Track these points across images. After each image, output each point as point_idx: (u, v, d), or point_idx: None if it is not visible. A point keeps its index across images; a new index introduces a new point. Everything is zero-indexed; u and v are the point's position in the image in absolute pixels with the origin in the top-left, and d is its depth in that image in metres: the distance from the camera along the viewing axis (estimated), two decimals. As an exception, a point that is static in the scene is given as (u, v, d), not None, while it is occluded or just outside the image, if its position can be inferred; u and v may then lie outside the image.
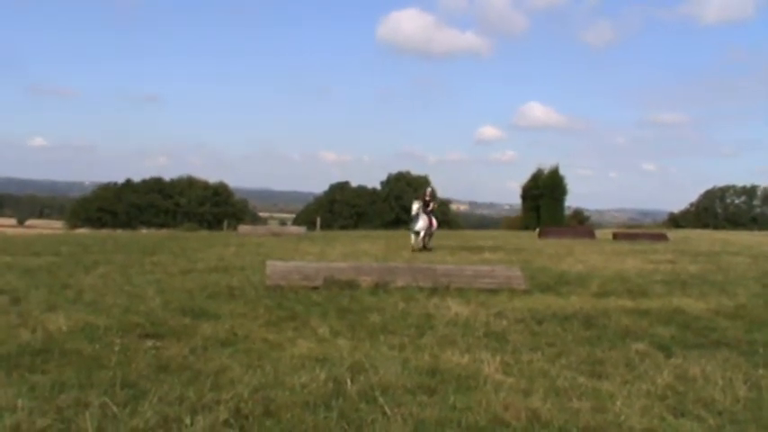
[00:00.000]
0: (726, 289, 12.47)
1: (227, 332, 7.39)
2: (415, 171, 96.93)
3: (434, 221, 22.39)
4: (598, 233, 39.03)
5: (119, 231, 58.60)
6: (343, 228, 74.80)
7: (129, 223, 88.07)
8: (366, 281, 11.13)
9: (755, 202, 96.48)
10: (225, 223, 59.55)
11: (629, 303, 10.49)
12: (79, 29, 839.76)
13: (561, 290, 11.90)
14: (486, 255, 20.17)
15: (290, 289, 10.53)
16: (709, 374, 6.09)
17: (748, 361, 6.78)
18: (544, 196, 65.77)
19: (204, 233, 41.37)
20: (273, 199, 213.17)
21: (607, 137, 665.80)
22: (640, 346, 7.28)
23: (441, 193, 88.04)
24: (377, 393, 5.16)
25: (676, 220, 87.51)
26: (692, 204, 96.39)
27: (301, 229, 36.33)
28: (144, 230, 68.88)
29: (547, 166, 68.74)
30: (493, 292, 11.10)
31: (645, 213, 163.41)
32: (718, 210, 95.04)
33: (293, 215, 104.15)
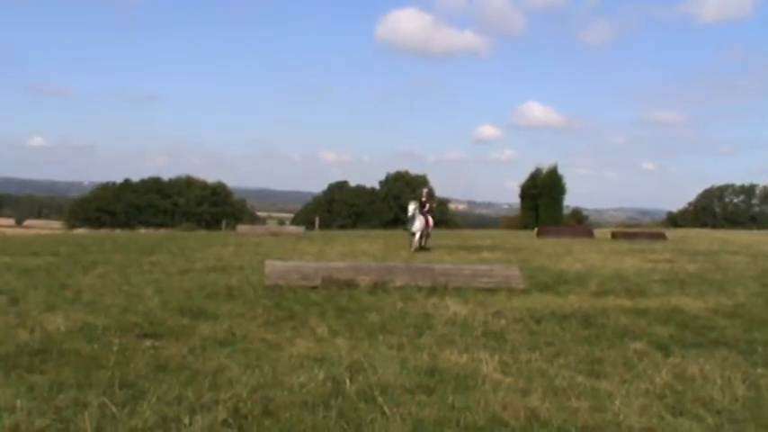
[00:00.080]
0: (724, 288, 12.48)
1: (226, 332, 7.39)
2: (414, 171, 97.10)
3: (431, 220, 22.36)
4: (597, 232, 39.07)
5: (117, 231, 58.64)
6: (342, 227, 74.85)
7: (127, 223, 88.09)
8: (365, 280, 11.13)
9: (754, 201, 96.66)
10: (223, 223, 59.57)
11: (627, 303, 10.49)
12: (78, 29, 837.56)
13: (560, 289, 11.90)
14: (485, 254, 20.18)
15: (288, 289, 10.53)
16: (708, 373, 6.09)
17: (747, 360, 6.79)
18: (543, 196, 65.86)
19: (203, 233, 41.38)
20: (272, 199, 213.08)
21: (606, 136, 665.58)
22: (639, 345, 7.28)
23: (439, 193, 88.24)
24: (376, 393, 5.16)
25: (675, 220, 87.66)
26: (690, 203, 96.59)
27: (300, 229, 36.33)
28: (142, 230, 68.95)
29: (545, 165, 68.98)
30: (491, 291, 11.10)
31: (643, 213, 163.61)
32: (717, 209, 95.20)
33: (292, 215, 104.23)
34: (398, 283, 11.21)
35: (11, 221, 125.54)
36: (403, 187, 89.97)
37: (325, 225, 61.08)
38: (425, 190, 24.28)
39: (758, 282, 13.74)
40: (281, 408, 4.79)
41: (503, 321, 8.50)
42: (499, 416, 4.77)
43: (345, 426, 4.55)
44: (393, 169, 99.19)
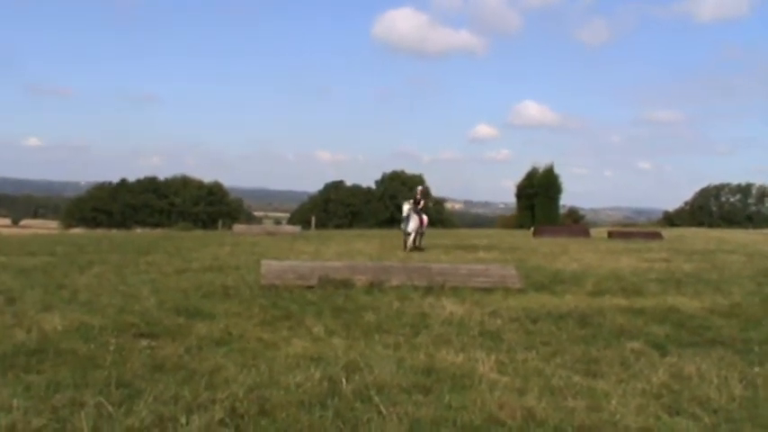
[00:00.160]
0: (721, 287, 12.50)
1: (222, 332, 7.39)
2: (410, 170, 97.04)
3: (425, 219, 22.31)
4: (593, 232, 39.13)
5: (114, 231, 58.48)
6: (338, 227, 74.73)
7: (123, 223, 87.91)
8: (361, 280, 11.13)
9: (750, 201, 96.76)
10: (220, 223, 59.57)
11: (623, 302, 10.50)
12: (78, 28, 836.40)
13: (556, 288, 11.91)
14: (481, 254, 20.19)
15: (284, 288, 10.52)
16: (705, 373, 6.10)
17: (743, 359, 6.80)
18: (539, 195, 65.84)
19: (199, 233, 41.31)
20: (268, 198, 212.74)
21: (602, 135, 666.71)
22: (635, 344, 7.29)
23: (435, 192, 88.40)
24: (372, 392, 5.16)
25: (671, 219, 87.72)
26: (686, 203, 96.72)
27: (296, 229, 36.37)
28: (139, 230, 68.82)
29: (542, 164, 68.92)
30: (488, 290, 11.10)
31: (640, 212, 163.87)
32: (713, 208, 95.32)
33: (288, 214, 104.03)
34: (395, 282, 11.21)
35: (7, 221, 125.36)
36: (399, 187, 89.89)
37: (321, 225, 61.06)
38: (420, 188, 24.26)
39: (754, 281, 13.76)
40: (278, 407, 4.79)
41: (499, 321, 8.51)
42: (496, 415, 4.77)
43: (342, 425, 4.55)
44: (389, 169, 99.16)
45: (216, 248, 19.63)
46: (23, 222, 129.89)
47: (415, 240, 21.60)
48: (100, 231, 60.68)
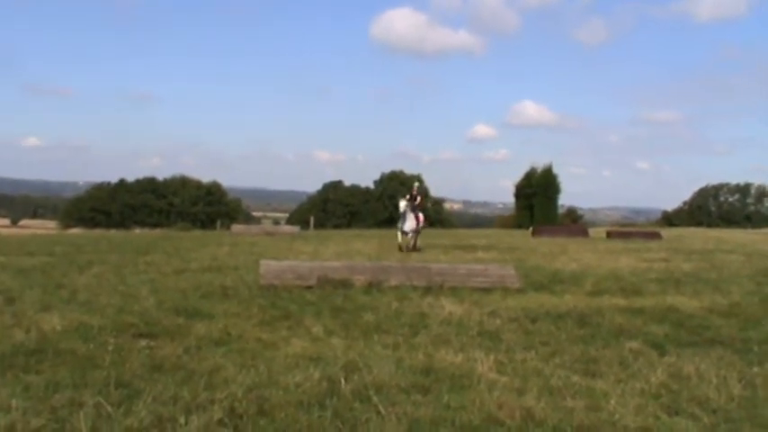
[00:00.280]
0: (719, 287, 12.50)
1: (221, 332, 7.39)
2: (409, 170, 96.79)
3: (422, 218, 22.21)
4: (591, 232, 39.16)
5: (112, 231, 58.36)
6: (337, 227, 74.68)
7: (122, 223, 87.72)
8: (360, 280, 11.13)
9: (749, 200, 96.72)
10: (218, 223, 59.46)
11: (622, 302, 10.51)
12: (77, 28, 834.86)
13: (555, 288, 11.92)
14: (480, 253, 20.19)
15: (283, 288, 10.52)
16: (704, 373, 6.10)
17: (742, 359, 6.80)
18: (537, 195, 65.91)
19: (198, 233, 41.34)
20: (267, 198, 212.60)
21: (600, 135, 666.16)
22: (634, 344, 7.29)
23: (434, 193, 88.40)
24: (371, 392, 5.16)
25: (670, 219, 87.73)
26: (685, 203, 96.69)
27: (295, 229, 36.39)
28: (137, 230, 68.62)
29: (540, 164, 69.02)
30: (486, 290, 11.11)
31: (638, 212, 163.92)
32: (712, 208, 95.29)
33: (287, 214, 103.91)
34: (393, 282, 11.21)
35: (6, 221, 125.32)
36: (398, 187, 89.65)
37: (319, 225, 61.01)
38: (416, 184, 24.21)
39: (753, 280, 13.78)
40: (277, 407, 4.79)
41: (498, 321, 8.51)
42: (495, 415, 4.78)
43: (341, 425, 4.55)
44: (388, 169, 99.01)
45: (215, 248, 19.64)
46: (22, 222, 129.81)
47: (412, 241, 21.51)
48: (98, 231, 60.56)
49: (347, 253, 19.15)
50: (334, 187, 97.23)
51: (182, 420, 4.47)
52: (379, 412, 4.75)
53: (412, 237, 21.51)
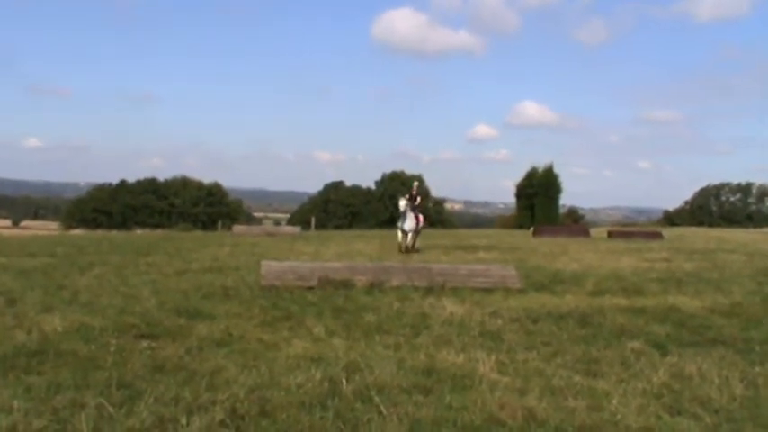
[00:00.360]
0: (721, 287, 12.49)
1: (223, 332, 7.39)
2: (410, 170, 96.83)
3: (421, 218, 22.17)
4: (593, 232, 39.15)
5: (114, 232, 58.52)
6: (338, 227, 74.72)
7: (123, 224, 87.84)
8: (361, 280, 11.12)
9: (750, 200, 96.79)
10: (219, 223, 59.55)
11: (624, 302, 10.50)
12: (76, 28, 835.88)
13: (556, 288, 11.91)
14: (481, 254, 20.19)
15: (285, 289, 10.52)
16: (706, 372, 6.10)
17: (744, 359, 6.79)
18: (538, 195, 65.91)
19: (199, 233, 41.36)
20: (268, 199, 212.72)
21: (601, 135, 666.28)
22: (636, 344, 7.29)
23: (435, 193, 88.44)
24: (372, 393, 5.16)
25: (671, 218, 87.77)
26: (686, 202, 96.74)
27: (296, 229, 36.41)
28: (139, 231, 68.75)
29: (541, 164, 69.04)
30: (488, 291, 11.10)
31: (639, 211, 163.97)
32: (714, 207, 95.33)
33: (288, 215, 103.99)
34: (395, 283, 11.21)
35: (8, 222, 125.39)
36: (399, 187, 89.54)
37: (321, 225, 61.08)
38: (416, 184, 24.17)
39: (755, 280, 13.76)
40: (278, 408, 4.78)
41: (499, 321, 8.51)
42: (496, 415, 4.77)
43: (342, 426, 4.55)
44: (388, 169, 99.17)
45: (216, 249, 19.64)
46: (23, 224, 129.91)
47: (411, 241, 21.43)
48: (100, 232, 60.76)
49: (348, 253, 19.16)
50: (335, 188, 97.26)
51: (183, 421, 4.47)
52: (380, 413, 4.75)
53: (411, 236, 21.46)
